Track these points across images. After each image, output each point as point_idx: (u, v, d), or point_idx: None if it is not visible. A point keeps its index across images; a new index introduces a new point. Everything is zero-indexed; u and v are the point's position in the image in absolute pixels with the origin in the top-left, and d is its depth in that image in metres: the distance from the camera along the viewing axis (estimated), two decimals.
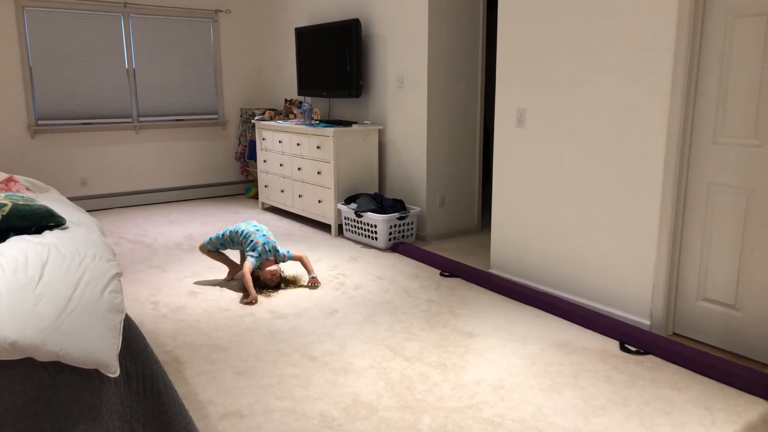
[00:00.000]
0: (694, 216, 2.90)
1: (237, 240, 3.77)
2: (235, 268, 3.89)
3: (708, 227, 2.85)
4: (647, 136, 2.97)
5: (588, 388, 2.52)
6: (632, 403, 2.40)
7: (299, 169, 5.35)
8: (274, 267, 3.66)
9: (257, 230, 3.75)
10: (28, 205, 2.34)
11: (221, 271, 4.11)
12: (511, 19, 3.61)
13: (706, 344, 2.91)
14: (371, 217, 4.57)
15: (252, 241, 3.69)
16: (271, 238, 3.73)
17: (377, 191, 5.20)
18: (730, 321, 2.81)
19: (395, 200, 4.71)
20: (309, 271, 3.80)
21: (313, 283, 3.77)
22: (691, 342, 2.95)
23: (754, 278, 2.71)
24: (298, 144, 5.32)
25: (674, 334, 3.05)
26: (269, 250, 3.67)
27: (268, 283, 3.67)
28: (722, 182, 2.77)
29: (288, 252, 3.78)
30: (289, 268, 4.07)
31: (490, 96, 6.97)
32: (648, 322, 3.06)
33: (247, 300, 3.48)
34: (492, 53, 6.55)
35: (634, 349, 2.89)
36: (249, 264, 3.60)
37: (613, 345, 2.94)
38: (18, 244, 2.07)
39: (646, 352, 2.85)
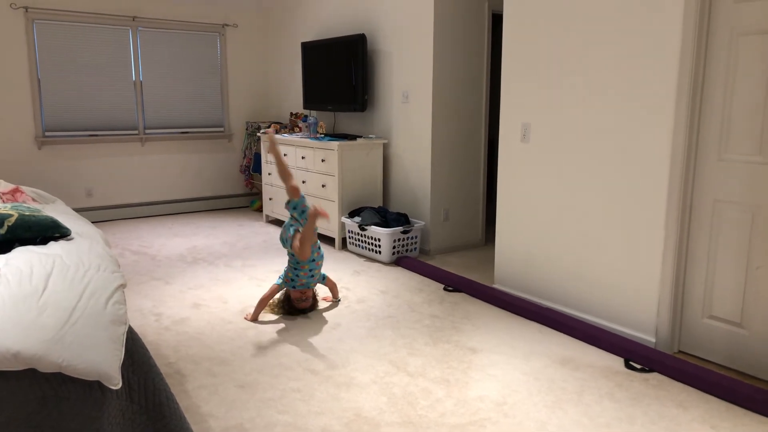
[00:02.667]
0: (699, 232, 2.89)
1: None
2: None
3: (713, 244, 2.84)
4: (652, 152, 2.97)
5: (592, 405, 2.50)
6: (637, 421, 2.38)
7: (304, 182, 5.36)
8: (305, 292, 3.48)
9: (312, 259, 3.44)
10: (33, 216, 2.35)
11: (224, 284, 4.10)
12: (516, 35, 3.63)
13: (712, 362, 2.89)
14: (375, 230, 4.57)
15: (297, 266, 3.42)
16: (320, 271, 3.53)
17: (381, 205, 5.20)
18: (736, 339, 2.79)
19: (399, 214, 4.71)
20: (334, 295, 3.75)
21: (328, 301, 3.75)
22: (697, 360, 2.92)
23: (760, 296, 2.69)
24: (303, 157, 5.34)
25: (680, 351, 3.02)
26: (307, 283, 3.45)
27: (301, 306, 3.48)
28: (727, 199, 2.76)
29: (323, 276, 3.63)
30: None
31: (495, 111, 6.99)
32: (653, 340, 3.04)
33: (249, 316, 3.45)
34: (497, 68, 6.58)
35: (639, 366, 2.86)
36: (275, 287, 3.45)
37: (617, 362, 2.92)
38: (23, 254, 2.08)
39: (651, 370, 2.82)
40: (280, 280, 3.48)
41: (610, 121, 3.15)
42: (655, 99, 2.94)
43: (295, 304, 3.48)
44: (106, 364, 1.65)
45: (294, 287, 3.45)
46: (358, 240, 4.81)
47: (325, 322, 3.42)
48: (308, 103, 5.87)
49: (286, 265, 3.48)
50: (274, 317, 3.47)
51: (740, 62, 2.67)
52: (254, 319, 3.43)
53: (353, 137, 5.15)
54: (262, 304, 3.44)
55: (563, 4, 3.33)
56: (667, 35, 2.86)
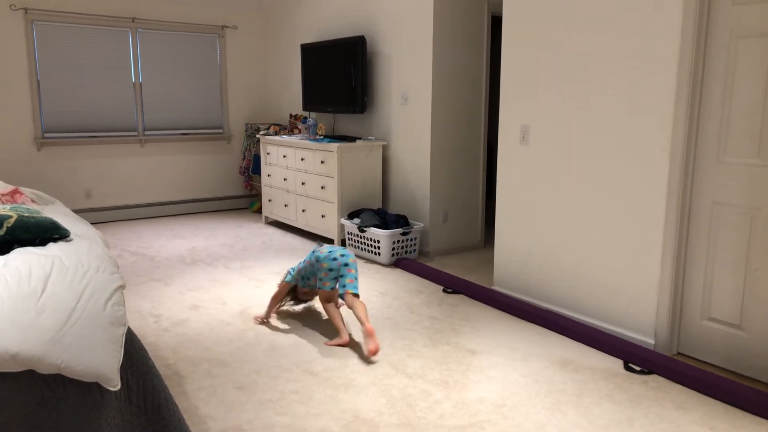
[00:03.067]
0: (698, 235, 2.89)
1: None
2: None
3: (712, 246, 2.84)
4: (651, 154, 2.98)
5: (591, 407, 2.50)
6: (636, 423, 2.38)
7: (303, 183, 5.36)
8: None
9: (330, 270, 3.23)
10: (33, 217, 2.35)
11: (223, 285, 4.10)
12: (516, 36, 3.63)
13: (711, 364, 2.89)
14: (374, 232, 4.57)
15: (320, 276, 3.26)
16: (332, 284, 3.24)
17: (381, 206, 5.20)
18: (735, 341, 2.79)
19: (398, 216, 4.71)
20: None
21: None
22: (696, 362, 2.92)
23: (758, 298, 2.69)
24: (302, 159, 5.34)
25: (679, 353, 3.02)
26: (317, 286, 3.30)
27: (304, 298, 3.51)
28: (726, 201, 2.76)
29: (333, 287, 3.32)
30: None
31: (494, 112, 6.99)
32: (652, 341, 3.04)
33: (260, 317, 3.41)
34: (496, 70, 6.58)
35: (638, 368, 2.86)
36: (286, 285, 3.38)
37: (617, 364, 2.92)
38: (22, 255, 2.08)
39: (650, 372, 2.82)
40: (290, 277, 3.37)
41: (610, 123, 3.15)
42: (654, 101, 2.94)
43: (299, 295, 3.48)
44: (104, 365, 1.65)
45: (304, 286, 3.40)
46: (358, 242, 4.81)
47: (323, 323, 3.41)
48: (308, 104, 5.87)
49: (302, 261, 3.35)
50: (276, 317, 3.47)
51: (739, 65, 2.67)
52: (266, 317, 3.40)
53: (352, 139, 5.15)
54: (274, 302, 3.40)
55: (562, 6, 3.33)
56: (667, 37, 2.86)
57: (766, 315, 2.67)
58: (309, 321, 3.45)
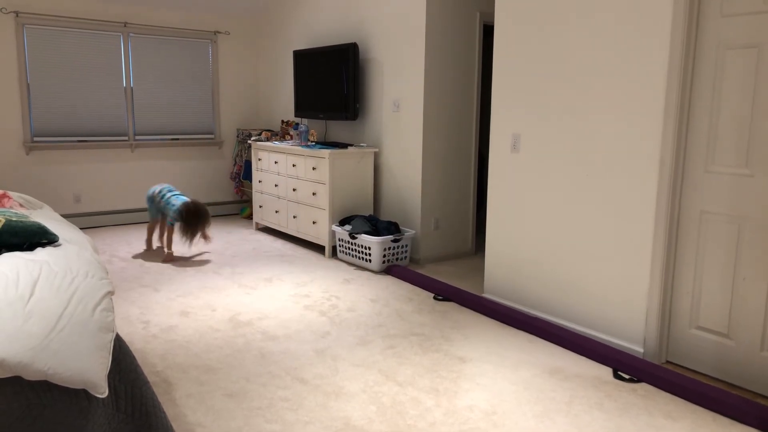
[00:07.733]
0: (686, 244, 2.92)
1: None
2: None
3: (700, 255, 2.86)
4: (640, 163, 3.00)
5: (581, 415, 2.50)
6: (625, 431, 2.38)
7: (294, 190, 5.36)
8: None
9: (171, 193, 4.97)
10: (21, 222, 2.33)
11: (213, 291, 4.08)
12: (508, 45, 3.66)
13: (699, 372, 2.91)
14: (365, 239, 4.57)
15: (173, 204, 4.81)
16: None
17: (372, 213, 5.20)
18: (723, 349, 2.81)
19: (390, 222, 4.72)
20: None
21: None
22: (685, 370, 2.94)
23: (746, 307, 2.71)
24: (293, 165, 5.34)
25: (667, 361, 3.04)
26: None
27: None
28: (714, 210, 2.79)
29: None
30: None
31: (486, 121, 7.02)
32: (641, 350, 3.06)
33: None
34: (488, 78, 6.62)
35: (627, 376, 2.87)
36: (171, 227, 4.83)
37: (606, 372, 2.93)
38: (10, 260, 2.06)
39: (639, 380, 2.84)
40: (172, 221, 4.77)
41: (600, 132, 3.18)
42: (643, 110, 2.97)
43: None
44: (92, 372, 1.63)
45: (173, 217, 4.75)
46: (349, 248, 4.80)
47: (314, 330, 3.40)
48: (299, 111, 5.88)
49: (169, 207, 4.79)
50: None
51: (726, 75, 2.70)
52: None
53: (344, 145, 5.15)
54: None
55: (554, 16, 3.36)
56: (656, 48, 2.89)
57: (754, 324, 2.69)
58: (299, 328, 3.44)
